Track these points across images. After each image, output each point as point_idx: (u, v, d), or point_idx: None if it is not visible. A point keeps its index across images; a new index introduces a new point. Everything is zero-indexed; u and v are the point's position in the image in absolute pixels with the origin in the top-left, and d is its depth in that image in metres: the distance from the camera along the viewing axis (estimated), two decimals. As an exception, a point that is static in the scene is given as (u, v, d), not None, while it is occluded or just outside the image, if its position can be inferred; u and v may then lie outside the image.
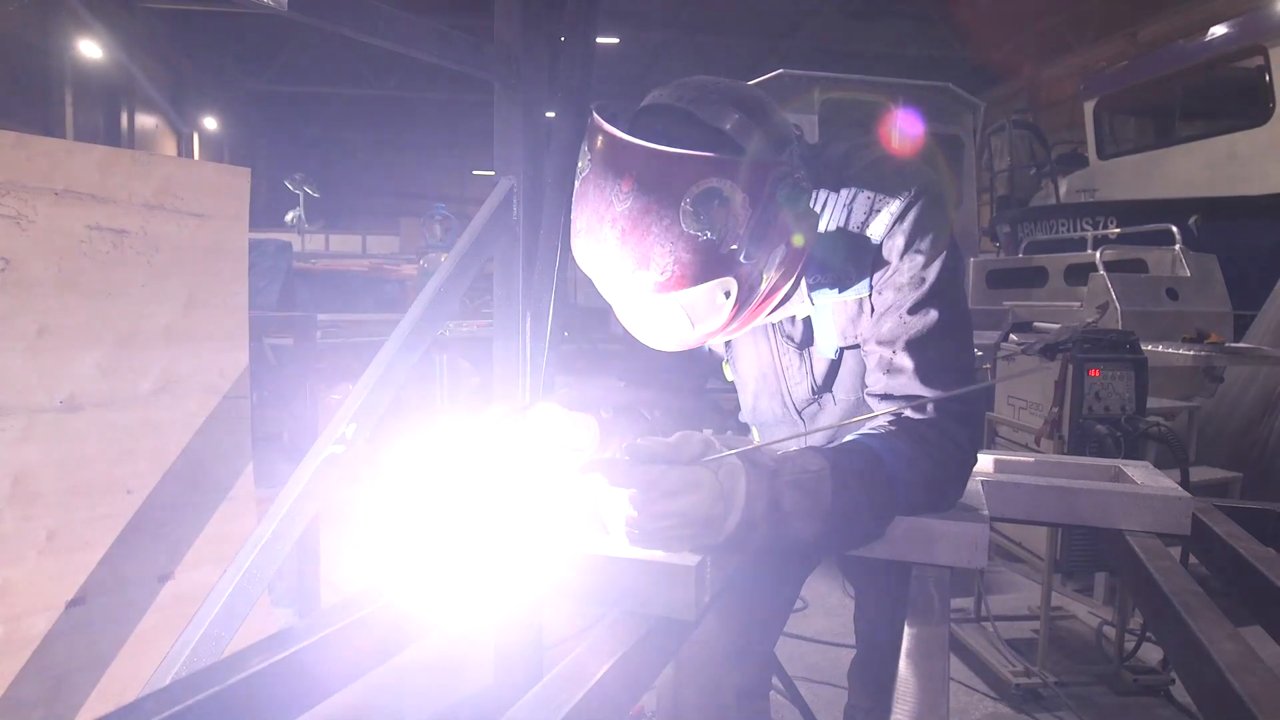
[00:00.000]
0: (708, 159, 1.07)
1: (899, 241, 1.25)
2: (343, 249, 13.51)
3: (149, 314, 2.21)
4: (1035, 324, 4.42)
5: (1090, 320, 3.72)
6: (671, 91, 1.20)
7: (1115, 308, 4.74)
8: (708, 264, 1.11)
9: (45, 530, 2.03)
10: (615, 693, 0.87)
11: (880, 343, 1.28)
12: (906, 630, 0.98)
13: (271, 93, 20.59)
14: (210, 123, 19.70)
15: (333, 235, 13.95)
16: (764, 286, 1.22)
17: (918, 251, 1.25)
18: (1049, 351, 3.28)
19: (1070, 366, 3.14)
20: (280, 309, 5.42)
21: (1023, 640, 3.34)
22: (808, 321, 1.41)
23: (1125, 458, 2.24)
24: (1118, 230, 6.58)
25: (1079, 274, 5.69)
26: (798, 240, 1.22)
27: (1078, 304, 5.29)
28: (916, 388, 1.24)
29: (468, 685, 2.36)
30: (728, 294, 1.17)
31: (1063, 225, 8.02)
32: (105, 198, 2.11)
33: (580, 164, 1.16)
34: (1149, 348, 3.54)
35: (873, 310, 1.31)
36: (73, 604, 2.06)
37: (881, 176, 1.28)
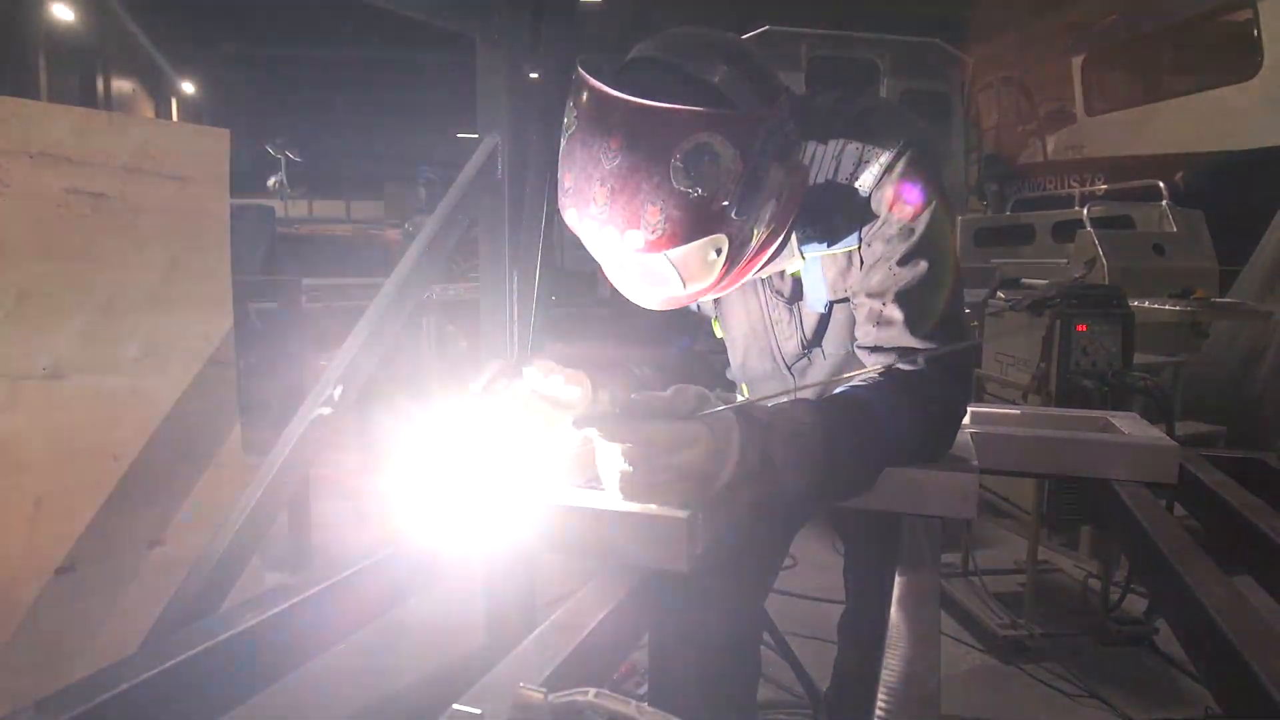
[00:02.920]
0: (697, 114, 1.05)
1: (888, 193, 1.24)
2: (326, 214, 13.36)
3: (131, 279, 2.18)
4: (1023, 281, 4.42)
5: (1077, 276, 3.72)
6: (658, 44, 1.17)
7: (1102, 264, 4.74)
8: (699, 221, 1.09)
9: (33, 498, 2.02)
10: (607, 644, 0.87)
11: (870, 295, 1.28)
12: (897, 579, 0.99)
13: (250, 55, 20.22)
14: (188, 87, 19.39)
15: (316, 200, 13.79)
16: (754, 243, 1.21)
17: (907, 203, 1.24)
18: (1036, 308, 3.29)
19: (1058, 322, 3.15)
20: (265, 274, 5.38)
21: (1009, 594, 3.39)
22: (797, 276, 1.40)
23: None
24: (1105, 187, 6.58)
25: (1066, 231, 5.69)
26: (788, 195, 1.21)
27: (1065, 261, 5.29)
28: (906, 339, 1.24)
29: (460, 645, 2.37)
30: (719, 251, 1.15)
31: (1050, 182, 8.00)
32: (82, 161, 2.07)
33: (566, 120, 1.13)
34: (1136, 303, 3.54)
35: (862, 263, 1.30)
36: (62, 571, 2.05)
37: (870, 128, 1.27)
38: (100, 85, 14.78)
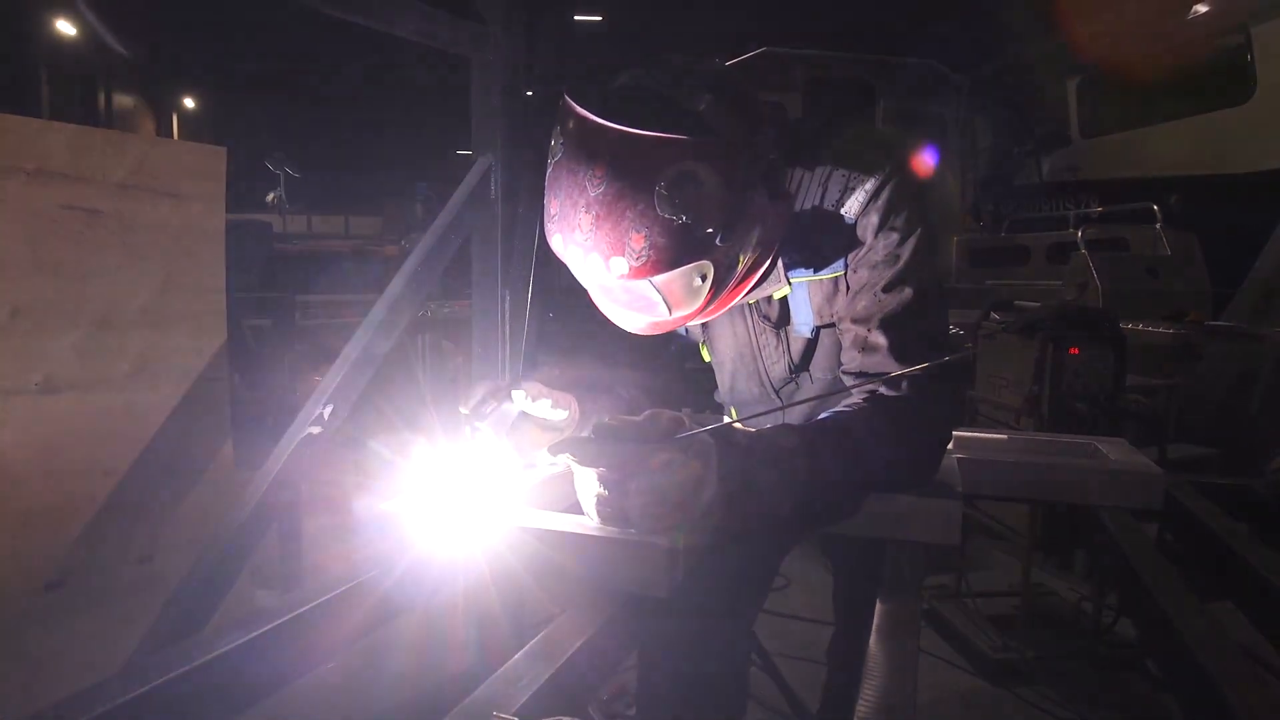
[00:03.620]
0: (681, 142, 1.06)
1: (873, 219, 1.25)
2: (325, 230, 13.37)
3: (125, 295, 2.18)
4: (1016, 302, 4.43)
5: (1070, 299, 3.73)
6: (644, 72, 1.18)
7: (1096, 286, 4.76)
8: (683, 248, 1.09)
9: (22, 513, 2.01)
10: (587, 669, 0.87)
11: (855, 321, 1.29)
12: (878, 607, 0.99)
13: (251, 71, 20.29)
14: (189, 102, 19.47)
15: (315, 216, 13.79)
16: (740, 268, 1.22)
17: (892, 229, 1.25)
18: (1029, 330, 3.30)
19: (1050, 345, 3.15)
20: (261, 291, 5.37)
21: (1003, 616, 3.37)
22: (784, 301, 1.41)
23: (1104, 435, 2.26)
24: (1099, 209, 6.60)
25: (1061, 253, 5.71)
26: (773, 221, 1.22)
27: (1059, 282, 5.31)
28: (891, 365, 1.24)
29: (445, 667, 2.36)
30: (704, 277, 1.16)
31: (1045, 204, 8.03)
32: (78, 177, 2.08)
33: (552, 146, 1.14)
34: (1129, 326, 3.55)
35: (848, 289, 1.31)
36: (50, 586, 2.05)
37: (856, 154, 1.28)
38: (101, 101, 14.83)
